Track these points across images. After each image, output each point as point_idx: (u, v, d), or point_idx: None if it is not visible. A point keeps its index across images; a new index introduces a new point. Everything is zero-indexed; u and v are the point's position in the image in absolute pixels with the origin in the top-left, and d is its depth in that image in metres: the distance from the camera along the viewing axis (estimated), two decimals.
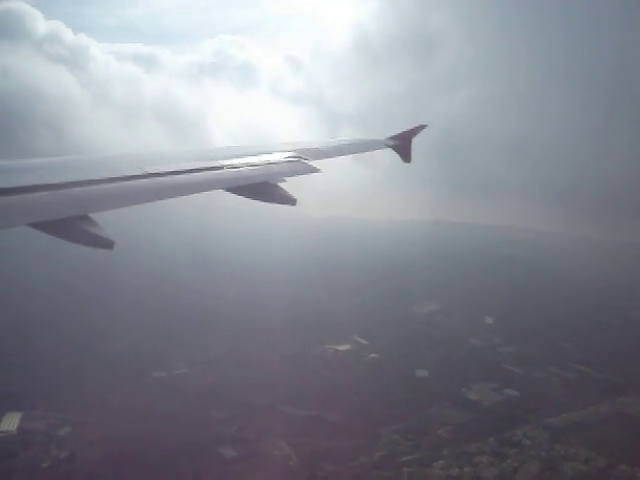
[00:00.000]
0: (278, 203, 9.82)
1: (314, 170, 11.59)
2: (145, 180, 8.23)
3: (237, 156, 10.69)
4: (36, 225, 6.34)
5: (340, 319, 79.29)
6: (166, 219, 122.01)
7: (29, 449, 48.91)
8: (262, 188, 9.78)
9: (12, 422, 51.88)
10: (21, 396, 56.27)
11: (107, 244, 6.73)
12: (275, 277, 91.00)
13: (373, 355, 70.53)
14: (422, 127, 17.50)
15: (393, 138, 16.67)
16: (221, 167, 9.74)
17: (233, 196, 9.38)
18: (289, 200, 9.86)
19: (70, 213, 6.76)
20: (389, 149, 16.35)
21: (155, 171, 8.51)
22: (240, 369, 64.46)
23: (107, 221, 6.85)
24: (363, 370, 66.72)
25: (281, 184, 10.02)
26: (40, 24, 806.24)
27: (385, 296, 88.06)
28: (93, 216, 6.88)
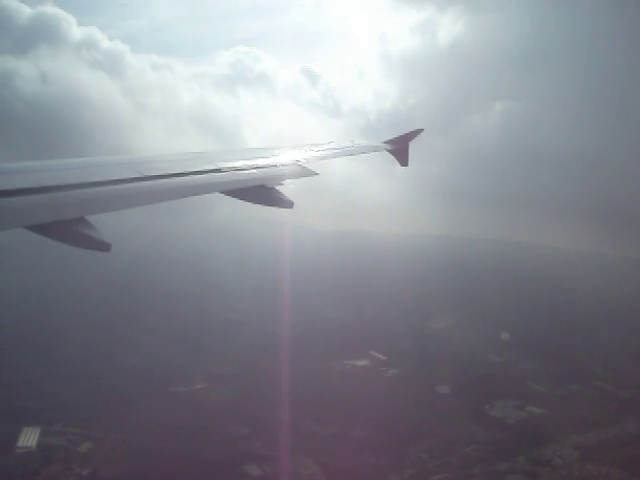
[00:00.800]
0: (275, 206, 9.73)
1: (312, 173, 11.56)
2: (142, 183, 8.23)
3: (234, 159, 10.73)
4: (33, 227, 6.28)
5: (355, 334, 78.25)
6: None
7: (50, 466, 47.48)
8: (259, 191, 9.70)
9: (31, 438, 50.39)
10: (38, 410, 54.79)
11: (104, 247, 6.67)
12: (286, 291, 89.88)
13: (392, 371, 69.55)
14: (419, 131, 17.48)
15: (390, 142, 16.69)
16: (218, 170, 9.70)
17: (234, 202, 9.25)
18: (286, 203, 9.77)
19: (67, 216, 6.73)
20: (386, 153, 16.39)
21: (152, 174, 8.53)
22: (259, 384, 63.19)
23: (104, 224, 6.81)
24: (383, 386, 65.63)
25: (279, 187, 9.96)
26: (75, 29, 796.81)
27: (398, 311, 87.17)
28: (90, 219, 6.82)
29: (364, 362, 71.24)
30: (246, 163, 10.64)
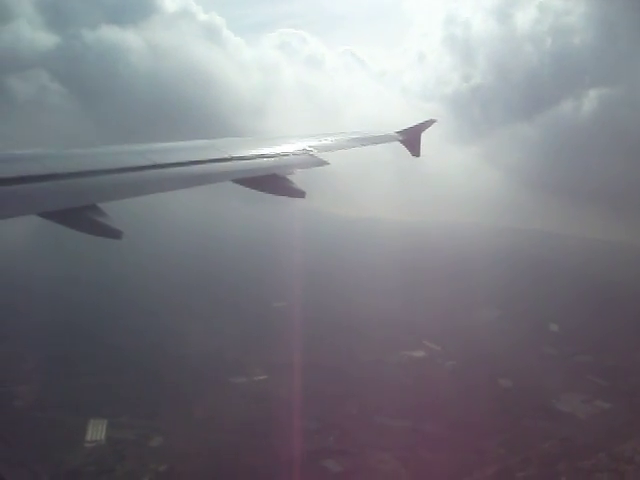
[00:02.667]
0: (286, 196, 9.71)
1: (323, 163, 11.53)
2: (153, 171, 8.23)
3: (245, 148, 10.62)
4: (45, 214, 6.36)
5: (404, 324, 76.59)
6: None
7: (124, 461, 45.72)
8: (270, 180, 9.67)
9: (99, 431, 48.59)
10: (101, 402, 52.88)
11: (115, 234, 6.70)
12: (324, 279, 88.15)
13: (450, 362, 67.99)
14: (432, 122, 17.50)
15: (402, 132, 16.59)
16: (229, 159, 9.66)
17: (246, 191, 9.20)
18: (298, 193, 9.72)
19: (79, 203, 6.80)
20: (398, 143, 16.28)
21: (163, 162, 8.53)
22: (319, 375, 61.34)
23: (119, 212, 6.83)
24: (444, 378, 64.07)
25: (290, 176, 9.88)
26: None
27: (444, 301, 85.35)
28: (102, 206, 6.86)
29: (420, 353, 69.69)
30: (257, 152, 10.56)
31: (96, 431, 48.39)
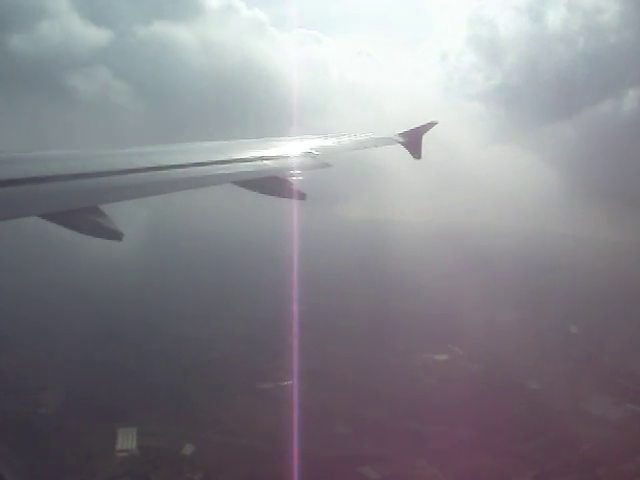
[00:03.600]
0: (287, 198, 9.69)
1: (325, 165, 11.52)
2: (155, 173, 8.21)
3: (247, 150, 10.62)
4: (46, 216, 6.34)
5: (426, 327, 75.69)
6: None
7: (158, 471, 44.40)
8: (271, 183, 9.63)
9: (129, 439, 47.28)
10: (127, 409, 51.61)
11: (116, 236, 6.73)
12: (344, 282, 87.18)
13: (474, 366, 67.05)
14: (433, 124, 17.37)
15: (404, 135, 16.58)
16: (230, 161, 9.66)
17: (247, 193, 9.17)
18: (299, 195, 9.69)
19: (80, 204, 6.81)
20: (399, 145, 16.17)
21: (165, 164, 8.54)
22: (346, 380, 60.62)
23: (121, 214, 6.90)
24: (470, 381, 62.99)
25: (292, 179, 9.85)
26: None
27: (463, 302, 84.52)
28: (103, 208, 6.86)
29: (444, 356, 68.74)
30: (258, 154, 10.50)
31: (126, 439, 47.07)
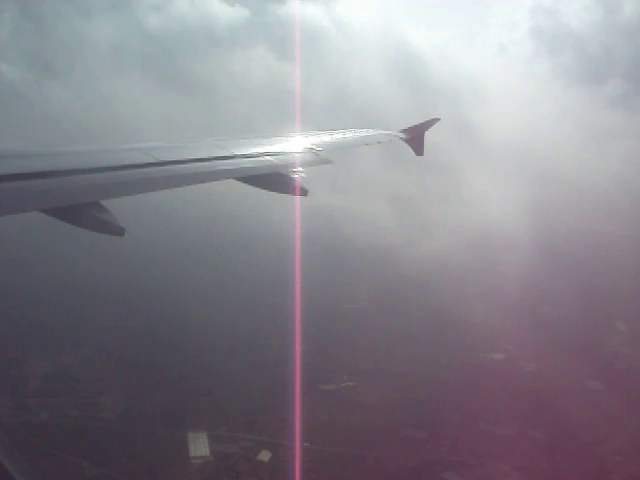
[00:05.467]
0: (289, 194, 9.75)
1: (326, 161, 11.59)
2: (157, 168, 8.32)
3: (249, 146, 10.65)
4: (48, 211, 6.45)
5: (475, 325, 73.76)
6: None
7: (240, 479, 42.32)
8: (273, 178, 9.71)
9: (202, 445, 45.18)
10: (192, 413, 49.47)
11: (118, 231, 6.84)
12: (392, 281, 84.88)
13: (532, 365, 65.35)
14: (435, 120, 17.30)
15: (406, 131, 16.55)
16: (232, 156, 9.70)
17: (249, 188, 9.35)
18: (301, 191, 9.75)
19: (82, 200, 6.93)
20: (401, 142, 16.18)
21: (167, 159, 8.57)
22: (405, 380, 58.68)
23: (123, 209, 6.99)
24: (531, 381, 61.29)
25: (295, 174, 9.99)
26: None
27: (505, 300, 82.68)
28: (105, 203, 6.95)
29: (500, 355, 66.97)
30: (261, 150, 10.52)
31: (198, 445, 45.01)
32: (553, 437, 50.69)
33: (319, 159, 11.57)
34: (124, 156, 8.40)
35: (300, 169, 10.37)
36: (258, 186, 9.59)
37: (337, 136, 14.07)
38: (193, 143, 10.44)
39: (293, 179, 9.95)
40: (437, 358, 63.87)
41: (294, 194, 9.82)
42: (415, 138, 16.82)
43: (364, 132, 15.56)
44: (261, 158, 10.27)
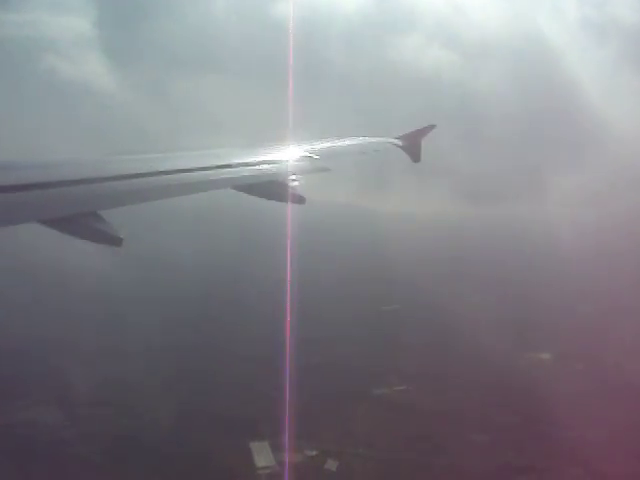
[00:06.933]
0: (287, 202, 9.90)
1: (324, 169, 11.60)
2: (154, 178, 8.43)
3: (245, 154, 10.74)
4: (45, 222, 6.48)
5: (515, 323, 72.35)
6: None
7: None
8: (271, 187, 9.80)
9: (265, 455, 43.28)
10: (248, 421, 47.50)
11: (115, 241, 6.86)
12: (425, 280, 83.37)
13: (580, 365, 63.92)
14: (432, 127, 17.38)
15: (402, 138, 16.60)
16: (229, 165, 9.86)
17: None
18: (298, 199, 9.93)
19: (79, 210, 6.93)
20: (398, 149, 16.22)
21: (164, 169, 8.72)
22: (455, 382, 57.13)
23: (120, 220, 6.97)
24: (582, 381, 59.89)
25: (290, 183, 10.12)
26: None
27: (539, 297, 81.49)
28: (103, 213, 6.95)
29: (547, 355, 65.65)
30: (257, 159, 10.53)
31: (263, 455, 43.11)
32: (616, 439, 49.33)
33: (317, 166, 11.51)
34: (121, 166, 8.35)
35: (297, 177, 10.29)
36: (255, 195, 9.55)
37: (335, 144, 14.01)
38: (190, 152, 10.39)
39: (290, 187, 9.90)
40: (484, 358, 62.37)
41: (292, 202, 9.81)
42: (412, 145, 16.77)
43: (361, 139, 15.48)
44: (258, 167, 10.24)
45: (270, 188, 9.73)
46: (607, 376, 59.73)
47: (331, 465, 42.95)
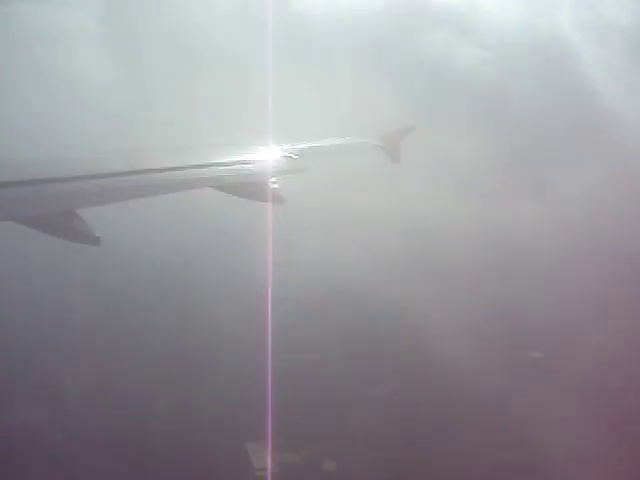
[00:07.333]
0: (266, 202, 10.46)
1: (302, 169, 12.07)
2: (132, 177, 8.59)
3: (225, 154, 11.12)
4: (22, 220, 6.62)
5: (501, 322, 71.88)
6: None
7: None
8: (250, 186, 10.39)
9: (262, 457, 42.35)
10: (240, 422, 46.45)
11: (93, 240, 7.23)
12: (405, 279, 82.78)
13: (572, 362, 63.60)
14: (411, 128, 17.63)
15: (382, 138, 16.85)
16: (209, 164, 10.31)
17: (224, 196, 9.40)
18: (277, 199, 10.57)
19: (57, 209, 7.11)
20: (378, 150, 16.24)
21: (142, 168, 9.01)
22: (459, 383, 56.52)
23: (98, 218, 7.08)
24: (578, 381, 59.43)
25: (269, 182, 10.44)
26: None
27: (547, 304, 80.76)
28: (80, 212, 7.14)
29: (538, 353, 65.31)
30: (236, 158, 10.76)
31: (259, 458, 42.18)
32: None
33: (296, 166, 11.62)
34: (99, 164, 8.30)
35: (276, 177, 10.32)
36: (235, 194, 9.66)
37: (315, 144, 14.17)
38: (169, 150, 10.54)
39: (270, 187, 9.99)
40: (478, 355, 61.83)
41: (270, 202, 9.90)
42: (391, 146, 16.95)
43: (341, 140, 15.80)
44: (238, 166, 10.38)
45: (249, 188, 9.91)
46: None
47: (329, 466, 42.29)
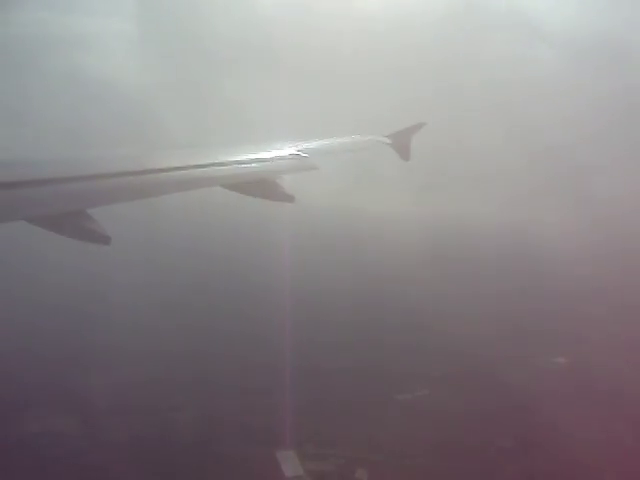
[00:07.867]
0: (275, 200, 10.07)
1: (313, 167, 11.76)
2: (144, 176, 8.36)
3: (235, 153, 10.71)
4: (33, 220, 6.45)
5: (525, 326, 71.44)
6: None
7: None
8: (259, 185, 10.00)
9: (294, 464, 41.86)
10: (271, 429, 45.97)
11: (104, 240, 6.89)
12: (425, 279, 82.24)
13: (598, 369, 62.80)
14: (421, 125, 17.19)
15: (392, 136, 16.67)
16: (220, 163, 9.89)
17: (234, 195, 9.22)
18: (286, 197, 10.12)
19: (67, 208, 6.89)
20: (388, 147, 16.17)
21: (153, 167, 8.67)
22: (480, 386, 56.12)
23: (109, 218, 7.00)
24: (610, 386, 58.39)
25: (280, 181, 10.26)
26: None
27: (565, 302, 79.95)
28: (91, 212, 6.96)
29: (562, 359, 64.64)
30: (247, 157, 10.57)
31: (291, 465, 41.68)
32: None
33: (306, 165, 11.45)
34: (110, 164, 8.17)
35: (286, 175, 10.25)
36: (245, 193, 9.50)
37: (324, 142, 13.95)
38: (180, 150, 10.50)
39: (279, 185, 9.90)
40: (505, 362, 61.25)
41: (281, 200, 9.78)
42: (401, 143, 16.80)
43: (351, 138, 15.53)
44: (248, 165, 10.23)
45: (259, 186, 9.72)
46: None
47: (361, 475, 41.63)
